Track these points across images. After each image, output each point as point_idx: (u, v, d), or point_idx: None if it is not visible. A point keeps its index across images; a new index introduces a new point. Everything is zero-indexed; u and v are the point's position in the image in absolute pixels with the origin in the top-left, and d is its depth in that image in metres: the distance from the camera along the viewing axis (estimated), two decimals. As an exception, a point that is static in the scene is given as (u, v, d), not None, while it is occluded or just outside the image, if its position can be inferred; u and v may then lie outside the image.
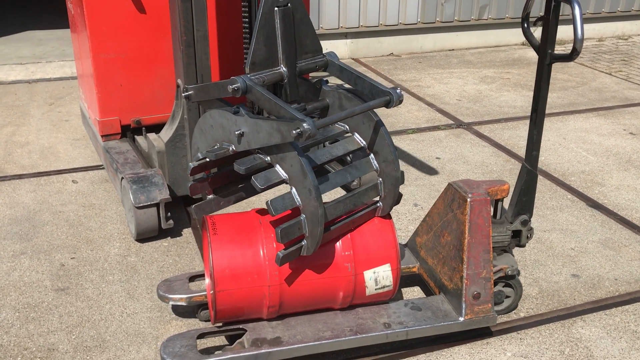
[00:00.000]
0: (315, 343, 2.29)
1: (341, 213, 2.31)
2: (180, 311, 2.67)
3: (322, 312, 2.45)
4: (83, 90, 4.08)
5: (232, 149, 2.26)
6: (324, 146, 2.94)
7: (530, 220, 2.69)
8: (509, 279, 2.63)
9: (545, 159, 4.25)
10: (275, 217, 2.26)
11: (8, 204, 3.57)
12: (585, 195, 3.77)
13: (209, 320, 2.56)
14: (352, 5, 6.59)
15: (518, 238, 2.71)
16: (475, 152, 4.35)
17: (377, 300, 2.48)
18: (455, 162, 4.19)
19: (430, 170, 4.06)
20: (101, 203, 3.58)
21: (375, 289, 2.41)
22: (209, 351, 2.44)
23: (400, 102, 2.30)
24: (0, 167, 4.04)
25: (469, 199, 2.37)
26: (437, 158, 4.25)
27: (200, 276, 2.67)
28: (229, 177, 2.48)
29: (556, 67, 6.17)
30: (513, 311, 2.70)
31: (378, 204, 2.42)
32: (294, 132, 1.98)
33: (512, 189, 3.02)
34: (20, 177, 3.91)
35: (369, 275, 2.38)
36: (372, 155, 2.37)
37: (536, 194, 2.77)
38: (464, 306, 2.41)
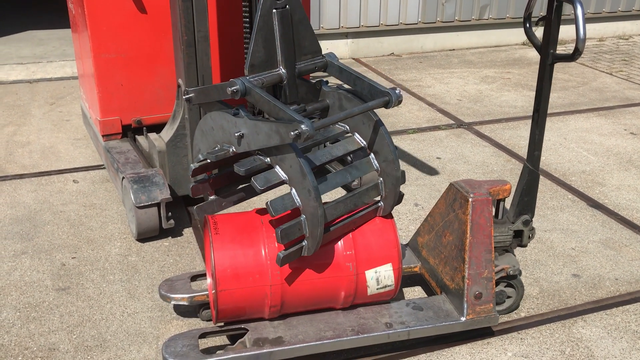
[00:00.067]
0: (317, 343, 2.29)
1: (342, 213, 2.31)
2: (181, 311, 2.67)
3: (324, 311, 2.45)
4: (84, 90, 4.08)
5: (233, 150, 2.26)
6: (325, 146, 2.95)
7: (531, 220, 2.69)
8: (511, 279, 2.63)
9: (546, 158, 4.25)
10: (276, 217, 2.26)
11: (9, 203, 3.57)
12: (586, 195, 3.77)
13: (210, 320, 2.56)
14: (352, 5, 6.59)
15: (520, 238, 2.71)
16: (475, 152, 4.35)
17: (379, 300, 2.48)
18: (455, 162, 4.19)
19: (430, 170, 4.06)
20: (102, 203, 3.58)
21: (377, 289, 2.41)
22: (210, 351, 2.44)
23: (400, 102, 2.31)
24: (1, 167, 4.04)
25: (470, 199, 2.37)
26: (437, 158, 4.25)
27: (202, 276, 2.68)
28: (230, 178, 2.48)
29: (557, 67, 6.16)
30: (514, 311, 2.70)
31: (379, 204, 2.42)
32: (292, 133, 1.99)
33: (513, 189, 3.02)
34: (21, 176, 3.91)
35: (370, 274, 2.38)
36: (372, 155, 2.37)
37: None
38: (465, 306, 2.41)
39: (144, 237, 3.17)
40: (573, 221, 3.47)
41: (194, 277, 2.65)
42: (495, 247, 2.63)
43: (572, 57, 2.38)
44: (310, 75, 2.79)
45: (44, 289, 2.82)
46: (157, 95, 3.60)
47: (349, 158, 2.89)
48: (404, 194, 2.45)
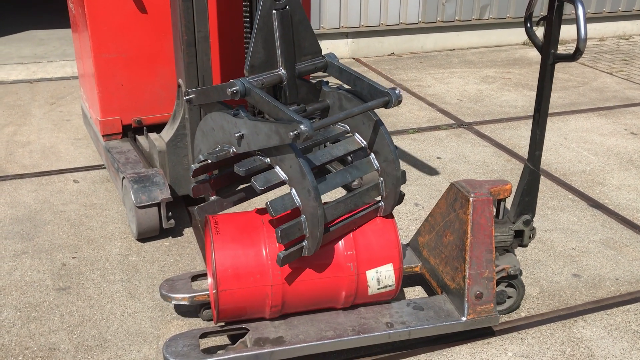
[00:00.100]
0: (318, 343, 2.29)
1: (342, 213, 2.31)
2: (182, 311, 2.67)
3: (325, 311, 2.45)
4: (84, 90, 4.08)
5: (233, 150, 2.26)
6: (325, 146, 2.95)
7: (532, 220, 2.68)
8: (512, 279, 2.63)
9: (547, 158, 4.25)
10: (277, 217, 2.26)
11: (9, 203, 3.57)
12: (586, 195, 3.77)
13: (211, 320, 2.56)
14: (353, 5, 6.59)
15: (520, 238, 2.71)
16: (476, 152, 4.35)
17: (380, 299, 2.48)
18: (456, 161, 4.19)
19: (431, 170, 4.06)
20: (102, 203, 3.58)
21: (378, 289, 2.41)
22: (211, 351, 2.44)
23: (399, 102, 2.31)
24: (2, 167, 4.04)
25: (471, 199, 2.37)
26: (438, 158, 4.25)
27: (203, 275, 2.68)
28: (230, 179, 2.48)
29: (557, 66, 6.16)
30: (514, 311, 2.70)
31: (380, 204, 2.42)
32: (291, 133, 2.00)
33: (513, 189, 3.02)
34: (21, 176, 3.91)
35: (371, 274, 2.38)
36: (372, 155, 2.37)
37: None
38: (466, 306, 2.41)
39: (144, 237, 3.17)
40: (573, 221, 3.47)
41: (195, 277, 2.65)
42: (496, 247, 2.63)
43: (573, 57, 2.38)
44: (311, 75, 2.79)
45: (45, 288, 2.82)
46: (157, 95, 3.60)
47: (349, 158, 2.89)
48: (404, 194, 2.45)
